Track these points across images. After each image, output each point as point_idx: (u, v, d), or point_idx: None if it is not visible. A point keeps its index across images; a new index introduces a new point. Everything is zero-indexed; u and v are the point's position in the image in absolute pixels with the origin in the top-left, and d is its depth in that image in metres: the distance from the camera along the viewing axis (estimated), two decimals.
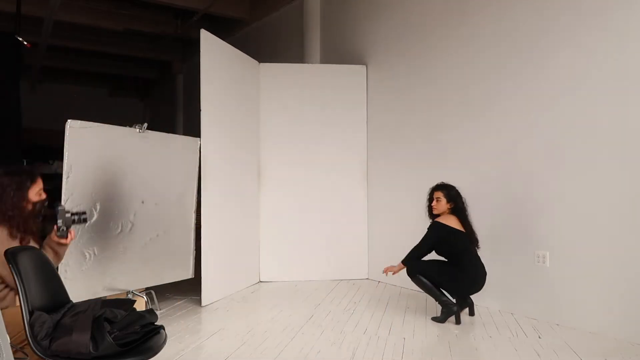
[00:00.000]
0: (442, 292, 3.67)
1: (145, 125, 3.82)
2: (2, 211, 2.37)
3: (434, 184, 3.93)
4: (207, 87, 4.27)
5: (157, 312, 3.42)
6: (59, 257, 2.58)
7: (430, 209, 3.86)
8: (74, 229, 2.55)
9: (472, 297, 3.82)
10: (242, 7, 7.69)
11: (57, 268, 2.54)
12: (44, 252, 2.44)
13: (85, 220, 2.61)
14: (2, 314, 2.06)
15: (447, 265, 3.71)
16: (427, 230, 3.78)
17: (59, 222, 2.47)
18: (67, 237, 2.50)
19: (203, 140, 4.23)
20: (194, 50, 7.49)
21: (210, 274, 4.25)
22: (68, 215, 2.50)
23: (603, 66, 3.39)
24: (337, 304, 4.23)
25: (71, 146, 3.25)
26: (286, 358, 2.92)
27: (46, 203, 2.52)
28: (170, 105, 10.92)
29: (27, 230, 2.45)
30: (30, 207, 2.46)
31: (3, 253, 2.12)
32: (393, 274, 3.87)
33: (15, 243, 2.37)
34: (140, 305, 3.64)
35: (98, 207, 3.44)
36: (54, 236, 2.48)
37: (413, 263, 3.73)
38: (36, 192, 2.49)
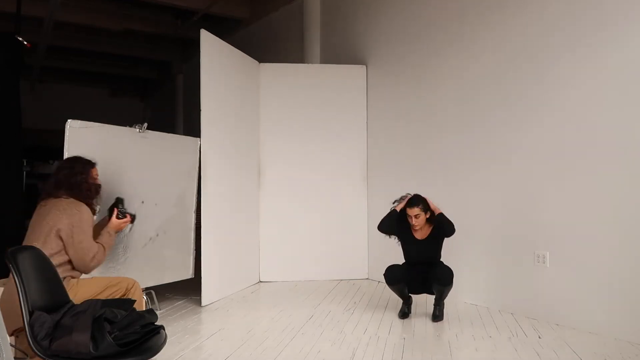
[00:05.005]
0: None
1: (145, 125, 3.82)
2: (81, 189, 2.76)
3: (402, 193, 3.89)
4: (207, 87, 4.27)
5: (157, 312, 3.42)
6: (112, 240, 3.00)
7: (405, 232, 3.79)
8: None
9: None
10: (242, 7, 7.69)
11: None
12: (101, 237, 2.88)
13: (127, 216, 3.09)
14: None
15: None
16: (450, 223, 3.67)
17: (120, 206, 3.10)
18: (126, 216, 3.02)
19: (203, 140, 4.23)
20: (194, 51, 7.48)
21: (210, 274, 4.24)
22: (120, 206, 3.11)
23: (603, 71, 3.38)
24: (337, 304, 4.23)
25: (71, 146, 3.25)
26: (286, 358, 2.92)
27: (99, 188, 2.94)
28: (170, 105, 10.91)
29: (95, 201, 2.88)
30: (93, 184, 2.87)
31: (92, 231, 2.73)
32: None
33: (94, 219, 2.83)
34: (140, 305, 3.63)
35: (98, 208, 3.43)
36: (113, 220, 2.98)
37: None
38: (95, 174, 2.92)
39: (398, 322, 3.69)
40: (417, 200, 3.71)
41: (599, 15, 3.41)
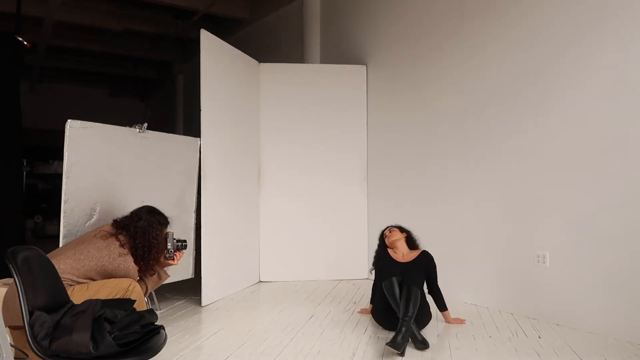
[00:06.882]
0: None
1: (145, 125, 3.82)
2: (148, 240, 2.80)
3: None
4: (207, 87, 4.27)
5: (157, 312, 3.42)
6: (160, 280, 2.99)
7: (379, 252, 3.73)
8: (178, 253, 2.99)
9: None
10: (242, 7, 7.69)
11: (147, 293, 2.96)
12: (145, 279, 2.88)
13: (185, 247, 3.02)
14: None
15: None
16: (433, 263, 3.57)
17: (169, 245, 2.93)
18: (174, 259, 2.95)
19: (203, 140, 4.23)
20: (194, 51, 7.48)
21: (210, 274, 4.25)
22: (175, 240, 2.95)
23: (602, 74, 3.39)
24: (337, 304, 4.23)
25: (71, 146, 3.25)
26: (286, 358, 2.92)
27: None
28: (170, 105, 10.91)
29: (154, 259, 2.86)
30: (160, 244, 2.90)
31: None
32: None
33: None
34: (140, 305, 3.63)
35: (98, 208, 3.43)
36: (161, 259, 2.90)
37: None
38: (164, 235, 2.94)
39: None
40: (395, 225, 3.79)
41: (609, 26, 3.41)
